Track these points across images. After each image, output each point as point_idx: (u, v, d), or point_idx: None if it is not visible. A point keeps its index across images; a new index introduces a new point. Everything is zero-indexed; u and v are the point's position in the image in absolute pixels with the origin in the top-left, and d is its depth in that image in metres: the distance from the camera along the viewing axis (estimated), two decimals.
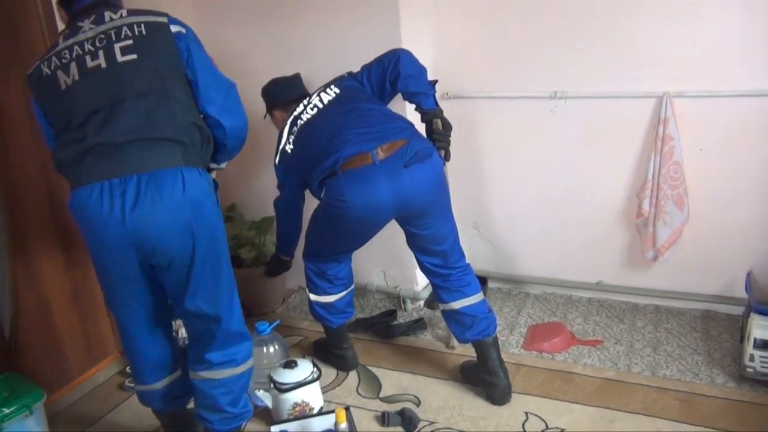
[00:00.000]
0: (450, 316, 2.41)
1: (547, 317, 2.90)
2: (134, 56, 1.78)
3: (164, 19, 1.83)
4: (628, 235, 2.84)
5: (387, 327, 2.88)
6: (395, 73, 2.29)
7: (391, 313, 3.00)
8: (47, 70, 1.79)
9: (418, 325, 2.88)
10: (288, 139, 2.36)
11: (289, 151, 2.35)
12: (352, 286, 2.59)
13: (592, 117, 2.74)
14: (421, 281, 3.04)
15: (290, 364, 2.30)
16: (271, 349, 2.43)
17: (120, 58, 1.78)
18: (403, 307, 3.07)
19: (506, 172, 3.00)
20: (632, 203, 2.76)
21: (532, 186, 2.96)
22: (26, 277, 2.37)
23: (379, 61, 2.36)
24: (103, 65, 1.77)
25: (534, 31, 2.74)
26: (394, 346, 2.78)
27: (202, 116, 1.88)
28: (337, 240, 2.37)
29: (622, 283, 2.93)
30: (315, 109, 2.32)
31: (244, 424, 2.09)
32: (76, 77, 1.76)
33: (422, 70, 2.33)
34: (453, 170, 3.05)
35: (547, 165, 2.89)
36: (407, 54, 2.33)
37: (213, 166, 2.01)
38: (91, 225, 1.74)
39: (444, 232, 2.31)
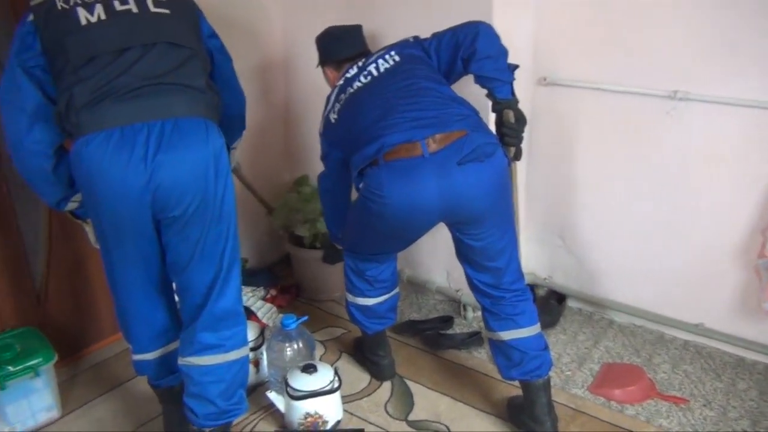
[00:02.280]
0: (496, 346, 2.06)
1: (627, 356, 2.46)
2: (166, 10, 1.73)
3: None
4: (743, 276, 2.31)
5: (438, 336, 2.56)
6: (470, 50, 1.92)
7: (447, 320, 2.67)
8: (63, 4, 1.62)
9: (474, 339, 2.54)
10: (333, 106, 2.06)
11: (333, 121, 2.05)
12: (395, 291, 2.28)
13: (719, 127, 2.22)
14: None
15: (308, 369, 2.06)
16: (295, 347, 2.19)
17: (152, 9, 1.69)
18: (462, 314, 2.73)
19: (604, 179, 2.53)
20: (755, 240, 2.23)
21: (634, 199, 2.48)
22: (62, 231, 2.28)
23: (454, 32, 1.99)
24: (134, 10, 1.67)
25: (658, 12, 2.23)
26: (441, 360, 2.46)
27: None
28: (374, 239, 2.06)
29: (728, 330, 2.41)
30: (369, 77, 2.00)
31: (232, 421, 1.89)
32: (102, 17, 1.63)
33: (502, 52, 1.95)
34: (540, 169, 2.66)
35: (654, 177, 2.40)
36: (488, 29, 1.95)
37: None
38: (107, 174, 1.56)
39: (499, 246, 1.95)
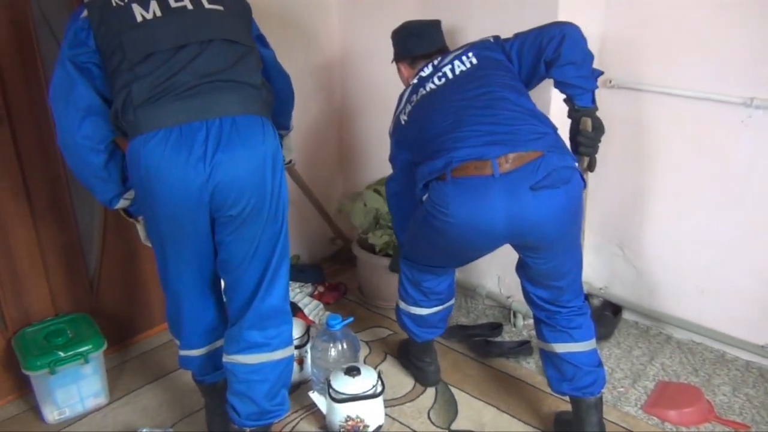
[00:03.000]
0: (548, 358, 1.98)
1: (685, 375, 2.34)
2: (220, 7, 1.70)
3: None
4: None
5: (487, 343, 2.49)
6: (555, 54, 1.80)
7: (496, 327, 2.60)
8: (118, 1, 1.62)
9: (523, 348, 2.46)
10: (405, 107, 1.97)
11: (403, 122, 1.97)
12: (451, 302, 2.20)
13: None
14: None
15: (352, 372, 2.03)
16: (339, 348, 2.16)
17: (207, 5, 1.68)
18: (512, 322, 2.65)
19: (670, 188, 2.41)
20: None
21: (701, 211, 2.35)
22: (116, 221, 2.30)
23: (539, 33, 1.86)
24: (189, 7, 1.66)
25: (735, 14, 2.09)
26: (488, 369, 2.39)
27: None
28: (433, 253, 1.98)
29: None
30: (443, 79, 1.89)
31: (274, 422, 1.88)
32: (158, 13, 1.62)
33: (587, 58, 1.83)
34: (602, 174, 2.54)
35: (725, 189, 2.27)
36: (576, 32, 1.82)
37: (282, 132, 1.96)
38: (166, 173, 1.55)
39: (565, 268, 1.86)
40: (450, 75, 1.89)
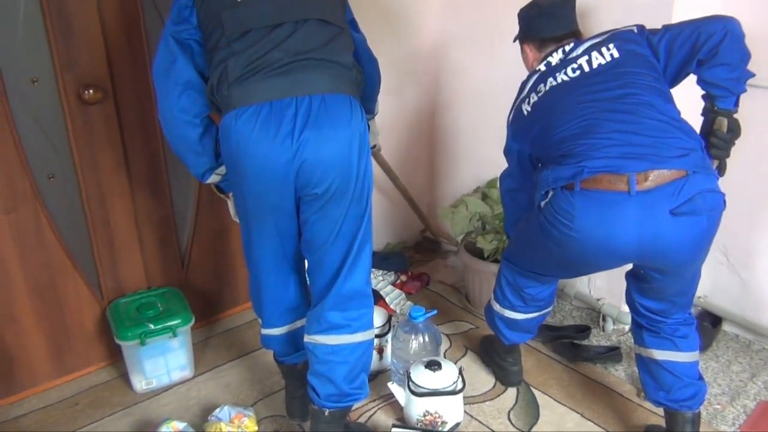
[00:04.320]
0: (646, 364, 1.88)
1: None
2: None
3: None
4: None
5: (573, 346, 2.39)
6: (712, 53, 1.61)
7: (584, 330, 2.49)
8: None
9: (613, 354, 2.34)
10: (529, 96, 1.81)
11: (525, 113, 1.82)
12: (549, 308, 2.09)
13: None
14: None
15: (432, 366, 1.99)
16: (421, 340, 2.12)
17: None
18: (600, 326, 2.54)
19: None
20: None
21: None
22: (209, 200, 2.35)
23: (696, 28, 1.64)
24: None
25: None
26: (574, 373, 2.30)
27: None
28: (544, 262, 1.86)
29: None
30: (577, 72, 1.71)
31: (353, 405, 1.87)
32: None
33: (744, 59, 1.65)
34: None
35: None
36: (738, 30, 1.63)
37: (368, 116, 1.93)
38: (255, 148, 1.57)
39: (684, 288, 1.76)
40: (586, 68, 1.71)
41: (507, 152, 1.94)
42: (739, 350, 2.41)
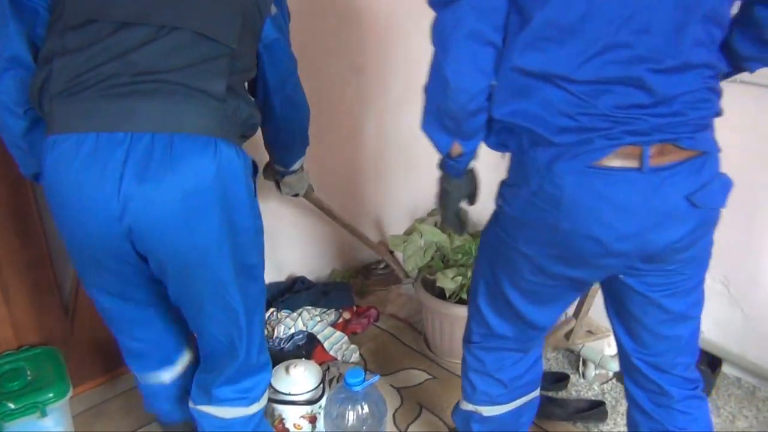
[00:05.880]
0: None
1: None
2: None
3: None
4: None
5: (549, 403, 1.98)
6: None
7: (561, 380, 2.09)
8: None
9: (596, 412, 1.94)
10: None
11: None
12: (537, 391, 1.61)
13: None
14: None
15: None
16: (360, 411, 1.68)
17: None
18: (580, 372, 2.13)
19: None
20: None
21: None
22: None
23: None
24: None
25: None
26: None
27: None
28: (512, 286, 1.32)
29: None
30: None
31: None
32: None
33: None
34: None
35: None
36: None
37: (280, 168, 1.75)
38: (70, 196, 1.19)
39: (682, 309, 1.33)
40: None
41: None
42: (742, 399, 2.03)
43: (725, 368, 2.13)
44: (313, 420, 1.82)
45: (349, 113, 2.50)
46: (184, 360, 1.66)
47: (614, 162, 1.10)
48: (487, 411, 1.53)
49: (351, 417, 1.69)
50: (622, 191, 1.11)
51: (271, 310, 2.26)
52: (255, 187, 1.36)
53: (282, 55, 1.43)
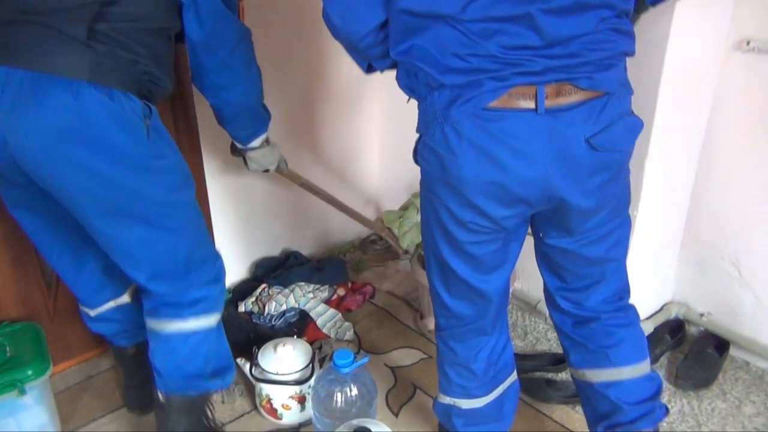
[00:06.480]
0: (581, 388, 1.46)
1: None
2: None
3: None
4: None
5: (548, 385, 1.91)
6: None
7: (561, 362, 2.01)
8: None
9: None
10: None
11: None
12: (513, 376, 1.53)
13: None
14: None
15: None
16: (348, 393, 1.62)
17: None
18: None
19: None
20: None
21: None
22: None
23: None
24: None
25: None
26: (546, 421, 1.82)
27: None
28: (451, 252, 1.28)
29: None
30: None
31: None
32: None
33: None
34: (717, 168, 1.92)
35: None
36: None
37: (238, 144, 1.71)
38: None
39: (601, 254, 1.32)
40: None
41: None
42: (750, 383, 1.95)
43: (733, 351, 2.05)
44: (302, 400, 1.76)
45: (347, 85, 2.40)
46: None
47: (508, 104, 1.07)
48: (466, 404, 1.48)
49: (339, 399, 1.62)
50: (518, 134, 1.08)
51: (263, 286, 2.20)
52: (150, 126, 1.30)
53: (208, 12, 1.34)
